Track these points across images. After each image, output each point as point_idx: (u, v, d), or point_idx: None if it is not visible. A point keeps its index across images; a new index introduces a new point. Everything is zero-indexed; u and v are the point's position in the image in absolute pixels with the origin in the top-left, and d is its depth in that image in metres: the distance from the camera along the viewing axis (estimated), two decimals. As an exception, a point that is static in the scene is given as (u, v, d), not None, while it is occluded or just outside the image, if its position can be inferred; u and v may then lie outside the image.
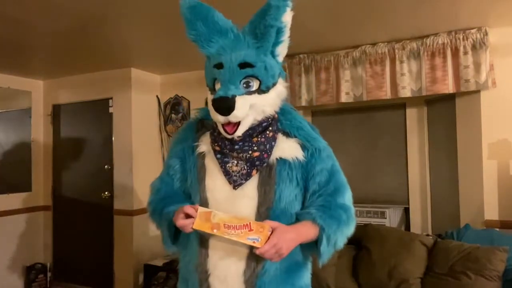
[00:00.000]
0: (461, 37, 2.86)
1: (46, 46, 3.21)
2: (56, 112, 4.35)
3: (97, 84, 4.07)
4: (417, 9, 2.53)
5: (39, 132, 4.39)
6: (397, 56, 3.07)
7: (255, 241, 1.14)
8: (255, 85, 1.21)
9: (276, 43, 1.23)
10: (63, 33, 2.85)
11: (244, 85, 1.20)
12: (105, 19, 2.61)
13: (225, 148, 1.26)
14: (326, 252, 1.25)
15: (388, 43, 3.12)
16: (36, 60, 3.67)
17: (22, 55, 3.45)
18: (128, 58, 3.64)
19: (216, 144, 1.28)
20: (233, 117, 1.17)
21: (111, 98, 4.01)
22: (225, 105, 1.16)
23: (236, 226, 1.16)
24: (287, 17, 1.20)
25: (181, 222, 1.20)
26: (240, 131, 1.21)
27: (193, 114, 1.46)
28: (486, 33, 2.79)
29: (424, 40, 2.98)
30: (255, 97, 1.21)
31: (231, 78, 1.19)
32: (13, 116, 4.22)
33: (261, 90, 1.22)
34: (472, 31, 2.83)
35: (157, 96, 4.21)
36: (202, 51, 1.27)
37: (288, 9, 1.18)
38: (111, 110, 4.02)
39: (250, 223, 1.16)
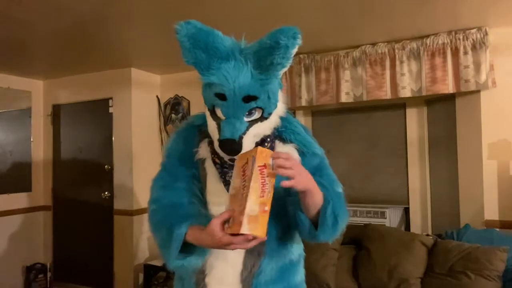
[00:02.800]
0: (461, 37, 2.86)
1: (46, 46, 3.21)
2: (56, 112, 4.35)
3: (97, 84, 4.07)
4: (417, 9, 2.53)
5: (39, 132, 4.40)
6: (397, 56, 3.07)
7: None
8: (257, 114, 1.18)
9: (281, 69, 1.17)
10: (63, 33, 2.86)
11: (247, 113, 1.17)
12: (105, 19, 2.61)
13: (224, 163, 1.25)
14: (329, 223, 1.15)
15: (388, 43, 3.12)
16: (36, 60, 3.67)
17: (22, 55, 3.45)
18: (128, 58, 3.64)
19: (214, 156, 1.27)
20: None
21: (111, 98, 4.01)
22: (233, 148, 1.14)
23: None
24: (295, 50, 1.12)
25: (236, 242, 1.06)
26: None
27: (190, 119, 1.41)
28: (486, 33, 2.79)
29: (424, 40, 2.98)
30: (257, 127, 1.19)
31: (235, 112, 1.15)
32: (13, 116, 4.22)
33: (263, 117, 1.20)
34: (472, 31, 2.83)
35: (157, 96, 4.21)
36: (202, 79, 1.19)
37: (297, 46, 1.10)
38: (111, 110, 4.02)
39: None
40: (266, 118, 1.20)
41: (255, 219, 1.02)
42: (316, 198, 1.14)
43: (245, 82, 1.13)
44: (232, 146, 1.13)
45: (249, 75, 1.14)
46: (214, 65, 1.15)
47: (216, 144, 1.19)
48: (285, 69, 1.18)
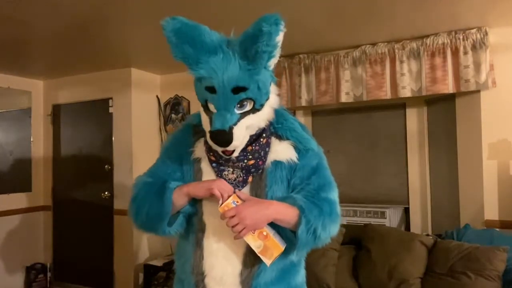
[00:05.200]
0: (461, 37, 2.86)
1: (46, 46, 3.21)
2: (56, 112, 4.35)
3: (97, 84, 4.07)
4: (417, 9, 2.53)
5: (39, 132, 4.40)
6: (397, 56, 3.07)
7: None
8: (249, 105, 1.18)
9: (268, 59, 1.17)
10: (63, 33, 2.86)
11: (238, 106, 1.17)
12: (105, 19, 2.61)
13: (220, 159, 1.26)
14: (304, 238, 1.19)
15: (388, 43, 3.12)
16: (36, 60, 3.67)
17: (22, 55, 3.45)
18: (128, 58, 3.64)
19: (211, 153, 1.28)
20: (232, 147, 1.17)
21: (111, 98, 4.01)
22: (224, 139, 1.15)
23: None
24: (279, 38, 1.13)
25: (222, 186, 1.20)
26: (237, 153, 1.21)
27: (188, 119, 1.43)
28: (486, 33, 2.79)
29: (424, 40, 2.98)
30: (250, 118, 1.19)
31: (226, 104, 1.15)
32: (13, 116, 4.22)
33: (255, 109, 1.20)
34: (472, 31, 2.83)
35: (157, 96, 4.21)
36: (192, 73, 1.20)
37: (281, 33, 1.11)
38: (111, 110, 4.02)
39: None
40: (258, 110, 1.21)
41: (265, 249, 1.17)
42: (286, 220, 1.20)
43: (234, 73, 1.14)
44: (222, 136, 1.15)
45: (237, 66, 1.14)
46: (203, 59, 1.16)
47: (207, 136, 1.20)
48: (274, 60, 1.18)
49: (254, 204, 1.18)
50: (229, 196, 1.20)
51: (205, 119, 1.22)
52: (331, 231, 1.25)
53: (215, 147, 1.19)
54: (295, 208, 1.19)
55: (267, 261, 1.17)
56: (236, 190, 1.22)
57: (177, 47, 1.17)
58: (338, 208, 1.29)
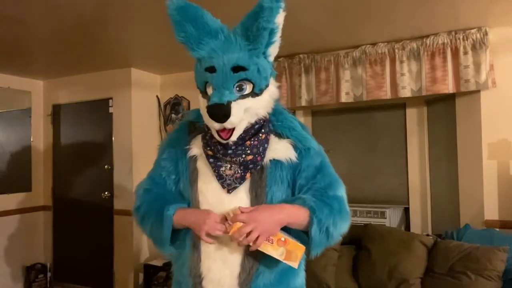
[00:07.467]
0: (461, 37, 2.86)
1: (46, 46, 3.21)
2: (56, 112, 4.35)
3: (97, 84, 4.07)
4: (417, 9, 2.53)
5: (39, 132, 4.39)
6: (397, 56, 3.07)
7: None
8: (248, 88, 1.18)
9: (268, 44, 1.18)
10: (63, 33, 2.85)
11: (237, 89, 1.17)
12: (105, 19, 2.61)
13: (218, 152, 1.24)
14: (317, 238, 1.18)
15: (388, 43, 3.12)
16: (36, 60, 3.67)
17: (22, 55, 3.45)
18: (128, 58, 3.64)
19: (208, 148, 1.26)
20: (229, 123, 1.15)
21: (111, 98, 4.01)
22: (221, 112, 1.13)
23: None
24: (280, 18, 1.15)
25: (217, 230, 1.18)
26: (235, 136, 1.19)
27: (185, 116, 1.43)
28: (486, 33, 2.79)
29: (424, 40, 2.98)
30: (249, 101, 1.19)
31: (225, 82, 1.15)
32: (13, 116, 4.22)
33: (254, 93, 1.19)
34: (472, 31, 2.83)
35: (157, 96, 4.21)
36: (192, 54, 1.22)
37: (281, 11, 1.13)
38: (111, 110, 4.02)
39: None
40: (257, 95, 1.21)
41: (289, 254, 1.15)
42: (298, 222, 1.20)
43: (234, 53, 1.16)
44: (220, 110, 1.14)
45: (238, 47, 1.17)
46: (204, 40, 1.19)
47: (204, 113, 1.19)
48: (274, 47, 1.21)
49: (266, 210, 1.16)
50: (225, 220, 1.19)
51: (203, 105, 1.21)
52: (342, 228, 1.24)
53: (212, 125, 1.18)
54: (305, 209, 1.18)
55: (295, 264, 1.16)
56: (240, 206, 1.19)
57: (180, 25, 1.19)
58: (347, 205, 1.29)
